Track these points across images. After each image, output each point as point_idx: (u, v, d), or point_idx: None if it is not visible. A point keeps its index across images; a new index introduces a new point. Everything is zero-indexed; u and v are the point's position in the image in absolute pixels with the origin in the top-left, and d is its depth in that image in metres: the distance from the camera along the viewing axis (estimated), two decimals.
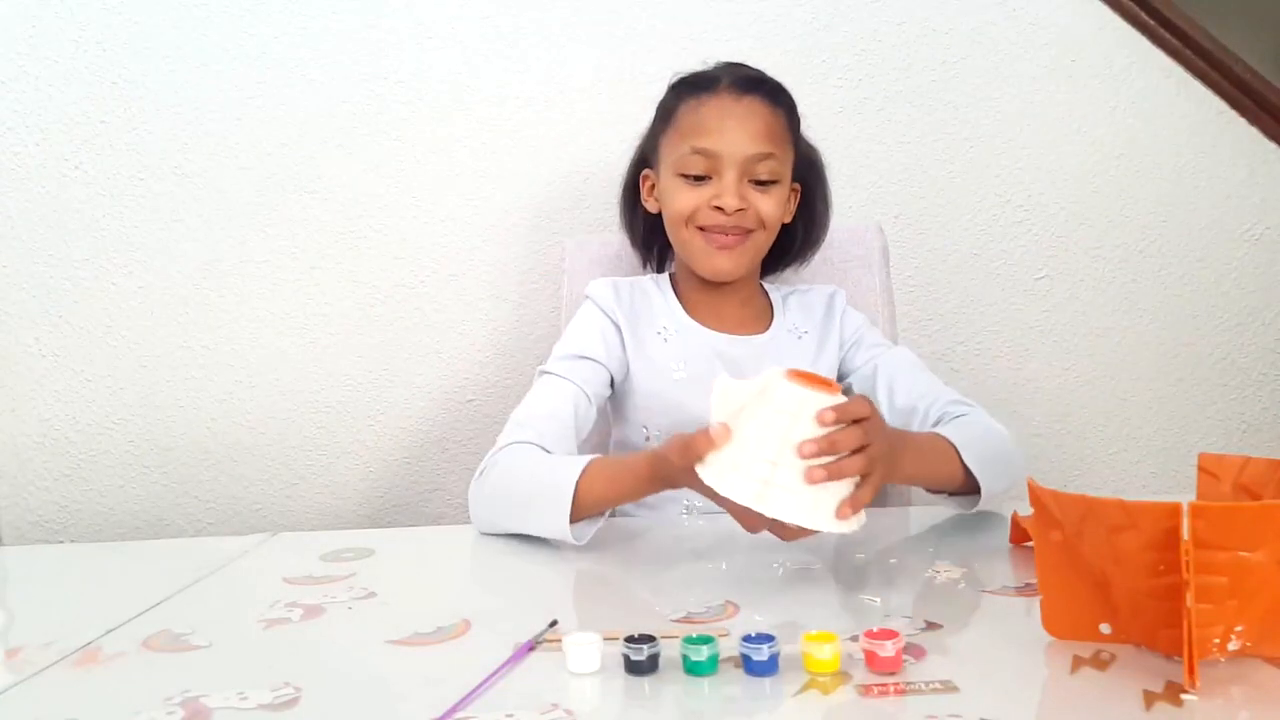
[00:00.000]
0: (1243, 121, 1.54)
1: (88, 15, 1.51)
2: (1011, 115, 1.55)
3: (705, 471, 0.77)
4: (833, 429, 0.74)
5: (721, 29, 1.53)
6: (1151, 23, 1.52)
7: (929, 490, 0.99)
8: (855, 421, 0.76)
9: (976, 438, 0.97)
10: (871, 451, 0.76)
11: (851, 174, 1.56)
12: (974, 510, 0.97)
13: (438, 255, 1.57)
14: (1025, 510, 0.78)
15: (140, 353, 1.57)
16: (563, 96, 1.54)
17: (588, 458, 0.93)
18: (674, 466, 0.81)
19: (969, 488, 0.95)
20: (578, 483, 0.90)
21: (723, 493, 0.74)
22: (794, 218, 1.19)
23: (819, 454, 0.74)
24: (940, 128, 1.56)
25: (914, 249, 1.58)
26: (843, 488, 0.75)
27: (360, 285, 1.57)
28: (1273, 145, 1.54)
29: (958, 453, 0.94)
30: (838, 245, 1.33)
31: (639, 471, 0.90)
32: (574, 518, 0.91)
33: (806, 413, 0.74)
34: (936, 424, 1.06)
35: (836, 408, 0.75)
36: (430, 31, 1.53)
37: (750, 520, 0.79)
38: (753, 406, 0.77)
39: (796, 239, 1.22)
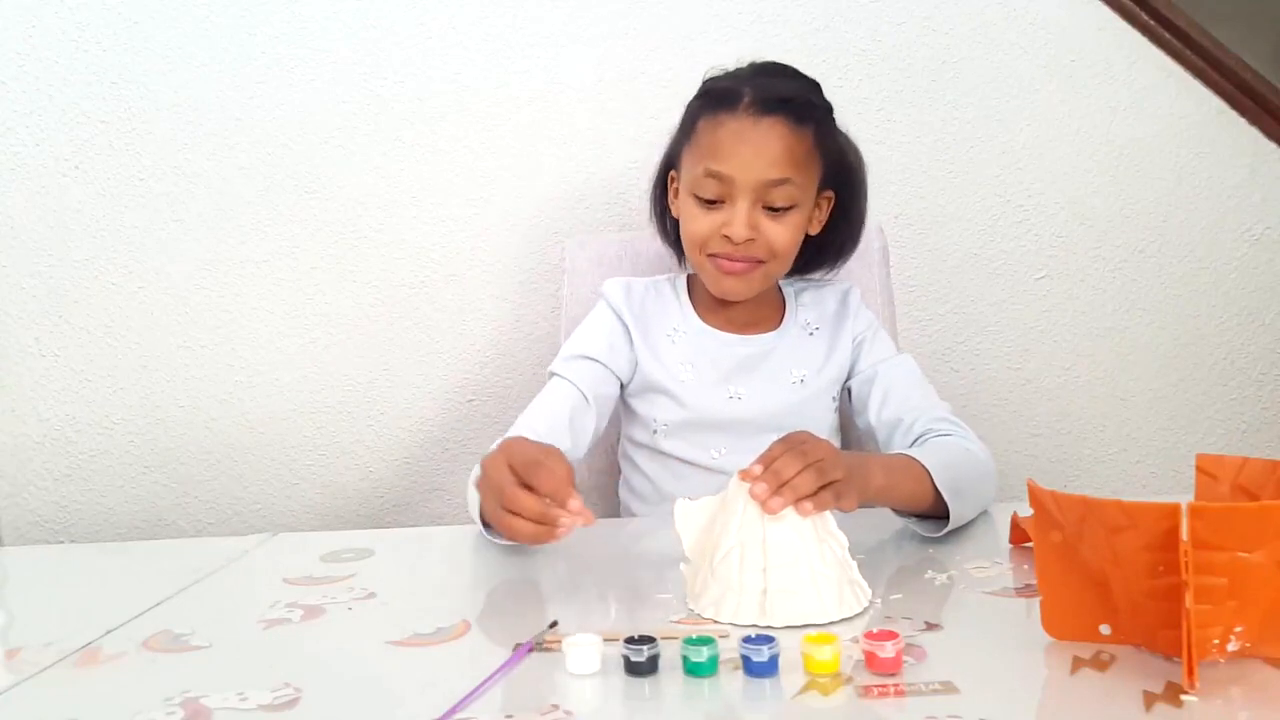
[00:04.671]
0: (1243, 121, 1.54)
1: (88, 15, 1.51)
2: (1011, 115, 1.55)
3: (698, 604, 0.76)
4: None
5: (721, 29, 1.53)
6: (1151, 23, 1.52)
7: (897, 511, 0.95)
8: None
9: (950, 461, 0.94)
10: (821, 466, 0.76)
11: None
12: (940, 534, 0.92)
13: (438, 255, 1.57)
14: (1025, 510, 0.78)
15: (140, 353, 1.57)
16: (563, 96, 1.54)
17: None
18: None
19: (938, 511, 0.92)
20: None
21: (724, 620, 0.74)
22: (827, 226, 1.13)
23: (762, 478, 0.74)
24: (940, 128, 1.56)
25: (914, 249, 1.58)
26: (836, 573, 0.75)
27: (360, 285, 1.57)
28: (1273, 145, 1.54)
29: (929, 474, 0.91)
30: None
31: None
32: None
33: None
34: (918, 439, 1.05)
35: (763, 456, 0.77)
36: (430, 31, 1.53)
37: None
38: (720, 520, 0.77)
39: (830, 248, 1.17)
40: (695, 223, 1.07)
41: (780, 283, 1.21)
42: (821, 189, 1.11)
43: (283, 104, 1.53)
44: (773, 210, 1.05)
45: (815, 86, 1.10)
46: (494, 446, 0.95)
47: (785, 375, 1.14)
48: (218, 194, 1.55)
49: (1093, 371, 1.61)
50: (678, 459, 1.14)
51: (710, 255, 1.08)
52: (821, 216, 1.13)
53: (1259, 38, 2.02)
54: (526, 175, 1.56)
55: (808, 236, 1.12)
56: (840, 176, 1.12)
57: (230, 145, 1.54)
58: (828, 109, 1.10)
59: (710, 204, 1.06)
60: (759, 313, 1.17)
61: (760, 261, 1.07)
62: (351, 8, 1.52)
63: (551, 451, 0.79)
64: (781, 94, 1.04)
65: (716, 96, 1.06)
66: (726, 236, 1.04)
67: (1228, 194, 1.56)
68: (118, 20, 1.51)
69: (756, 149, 1.02)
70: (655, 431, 1.14)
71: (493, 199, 1.56)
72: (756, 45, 1.53)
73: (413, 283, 1.57)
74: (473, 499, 0.95)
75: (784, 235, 1.06)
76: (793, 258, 1.10)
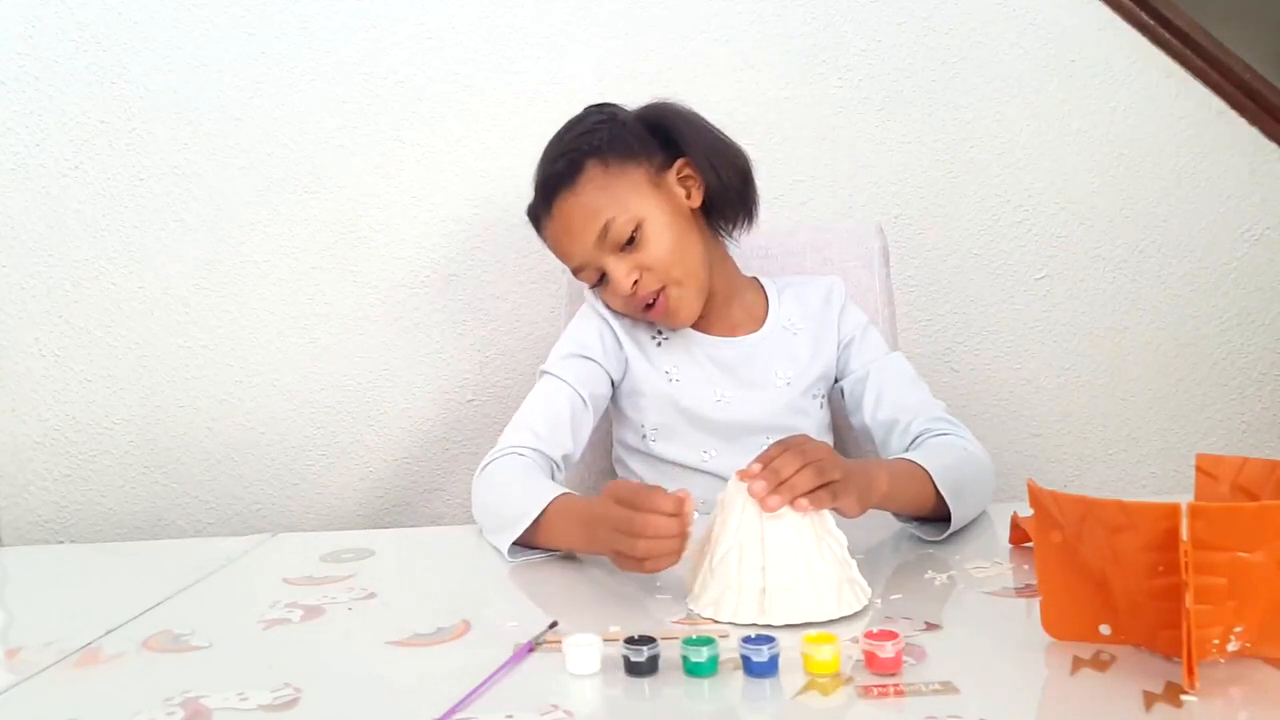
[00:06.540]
0: (1243, 121, 1.54)
1: (87, 15, 1.51)
2: (1011, 115, 1.55)
3: (698, 604, 0.76)
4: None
5: (721, 29, 1.53)
6: (1151, 23, 1.52)
7: (898, 516, 0.95)
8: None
9: (951, 463, 0.94)
10: (820, 465, 0.76)
11: (851, 174, 1.56)
12: (941, 538, 0.92)
13: (438, 255, 1.57)
14: (1025, 510, 0.78)
15: (140, 353, 1.57)
16: (563, 96, 1.54)
17: (553, 494, 0.92)
18: (600, 549, 0.84)
19: (939, 513, 0.92)
20: (540, 517, 0.91)
21: (723, 619, 0.74)
22: (706, 178, 1.10)
23: (760, 476, 0.75)
24: (940, 128, 1.56)
25: (914, 249, 1.58)
26: (835, 571, 0.75)
27: (360, 285, 1.57)
28: (1273, 145, 1.54)
29: (930, 478, 0.91)
30: (838, 245, 1.33)
31: (572, 534, 0.90)
32: (523, 541, 0.92)
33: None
34: (915, 439, 1.05)
35: (762, 455, 0.77)
36: (430, 31, 1.53)
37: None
38: (719, 520, 0.77)
39: (728, 192, 1.12)
40: (610, 303, 1.13)
41: (763, 281, 1.21)
42: (663, 170, 1.09)
43: (283, 104, 1.53)
44: (629, 244, 1.06)
45: (578, 125, 1.12)
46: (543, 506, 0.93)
47: (770, 377, 1.14)
48: (218, 194, 1.55)
49: (1093, 371, 1.61)
50: (669, 461, 1.14)
51: (642, 311, 1.10)
52: (696, 182, 1.11)
53: (1259, 38, 2.02)
54: (527, 175, 1.54)
55: (703, 204, 1.12)
56: (670, 144, 1.10)
57: (230, 145, 1.54)
58: (599, 126, 1.10)
59: (599, 284, 1.11)
60: (739, 314, 1.17)
61: (662, 286, 1.08)
62: (351, 8, 1.52)
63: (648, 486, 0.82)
64: (547, 179, 1.10)
65: (532, 220, 1.15)
66: (622, 298, 1.09)
67: (1228, 194, 1.56)
68: (118, 20, 1.51)
69: (568, 234, 1.08)
70: (645, 435, 1.15)
71: (493, 199, 1.56)
72: (756, 45, 1.53)
73: (413, 283, 1.57)
74: (488, 511, 0.98)
75: (654, 252, 1.07)
76: (689, 249, 1.09)
